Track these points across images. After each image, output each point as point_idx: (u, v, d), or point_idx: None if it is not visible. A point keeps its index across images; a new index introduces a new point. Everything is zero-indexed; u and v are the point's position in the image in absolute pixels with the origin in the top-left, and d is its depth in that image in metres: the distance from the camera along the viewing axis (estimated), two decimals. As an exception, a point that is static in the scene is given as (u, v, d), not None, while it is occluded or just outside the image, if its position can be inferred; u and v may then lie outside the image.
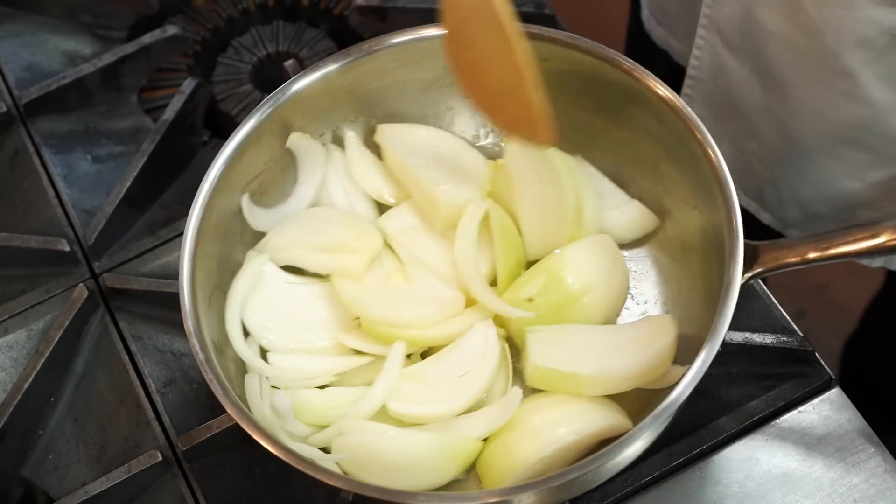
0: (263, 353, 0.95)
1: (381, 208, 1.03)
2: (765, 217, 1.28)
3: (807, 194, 1.21)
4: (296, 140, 1.01)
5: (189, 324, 0.86)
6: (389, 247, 0.99)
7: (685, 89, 1.25)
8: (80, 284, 1.06)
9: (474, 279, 0.94)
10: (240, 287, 0.95)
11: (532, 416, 0.88)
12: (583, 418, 0.87)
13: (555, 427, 0.87)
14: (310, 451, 0.88)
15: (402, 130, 1.03)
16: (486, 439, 0.89)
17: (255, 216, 0.99)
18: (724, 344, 0.95)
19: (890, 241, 0.85)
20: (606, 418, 0.88)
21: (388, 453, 0.86)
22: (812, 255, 0.86)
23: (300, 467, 0.80)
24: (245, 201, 0.98)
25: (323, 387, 0.94)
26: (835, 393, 0.96)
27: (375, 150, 1.04)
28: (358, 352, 0.95)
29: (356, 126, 1.03)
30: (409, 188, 1.01)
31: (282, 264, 0.99)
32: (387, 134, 1.02)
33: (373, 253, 0.96)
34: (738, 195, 0.85)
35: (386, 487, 0.81)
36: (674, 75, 1.27)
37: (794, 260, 0.87)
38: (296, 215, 1.00)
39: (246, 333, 0.95)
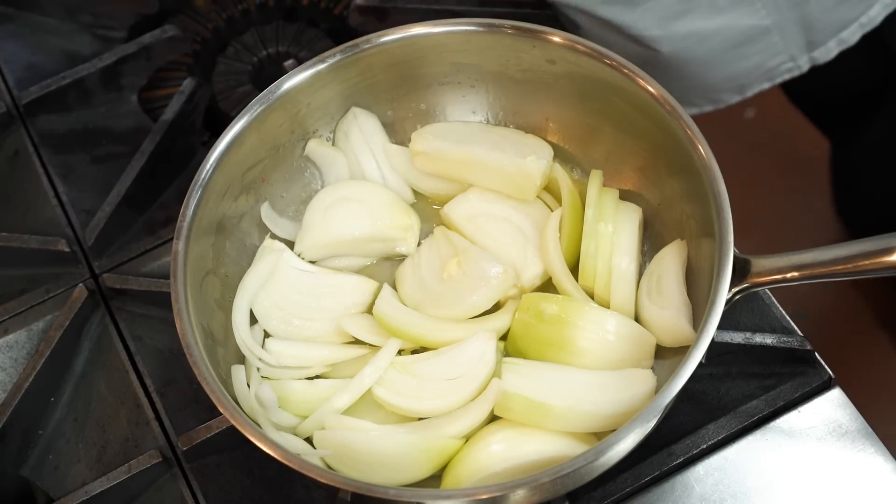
0: (263, 341, 0.97)
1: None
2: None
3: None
4: (314, 147, 1.03)
5: (178, 307, 0.87)
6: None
7: None
8: (80, 284, 1.06)
9: (562, 271, 0.96)
10: (254, 278, 0.96)
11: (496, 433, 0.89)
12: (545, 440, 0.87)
13: (516, 445, 0.87)
14: (296, 445, 0.89)
15: (442, 128, 1.04)
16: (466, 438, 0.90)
17: (276, 224, 1.01)
18: (725, 344, 0.95)
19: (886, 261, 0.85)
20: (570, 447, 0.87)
21: (369, 450, 0.87)
22: (804, 272, 0.86)
23: (276, 455, 0.81)
24: (265, 209, 1.00)
25: (313, 378, 0.95)
26: (835, 393, 0.96)
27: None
28: (354, 344, 0.96)
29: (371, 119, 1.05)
30: (472, 177, 1.02)
31: (315, 260, 1.01)
32: (428, 134, 1.03)
33: (416, 233, 1.02)
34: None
35: (377, 484, 0.82)
36: None
37: (785, 276, 0.86)
38: (323, 213, 1.01)
39: (252, 322, 0.96)
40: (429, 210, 1.05)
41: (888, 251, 0.84)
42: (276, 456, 0.80)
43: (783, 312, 1.00)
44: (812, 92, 1.69)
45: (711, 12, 1.18)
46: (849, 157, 1.75)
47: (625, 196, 1.00)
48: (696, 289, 0.92)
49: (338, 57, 0.99)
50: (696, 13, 1.18)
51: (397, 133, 1.06)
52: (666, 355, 0.92)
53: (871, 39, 1.29)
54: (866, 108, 1.62)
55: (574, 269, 0.97)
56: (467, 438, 0.90)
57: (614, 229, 0.96)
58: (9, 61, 1.23)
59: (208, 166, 0.93)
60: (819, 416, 0.95)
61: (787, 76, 1.29)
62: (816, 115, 1.78)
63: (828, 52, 1.28)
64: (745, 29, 1.21)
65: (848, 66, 1.34)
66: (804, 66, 1.28)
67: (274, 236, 1.01)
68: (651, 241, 0.99)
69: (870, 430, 0.94)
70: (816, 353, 0.97)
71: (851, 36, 1.27)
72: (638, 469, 0.92)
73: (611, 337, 0.91)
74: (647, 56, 1.21)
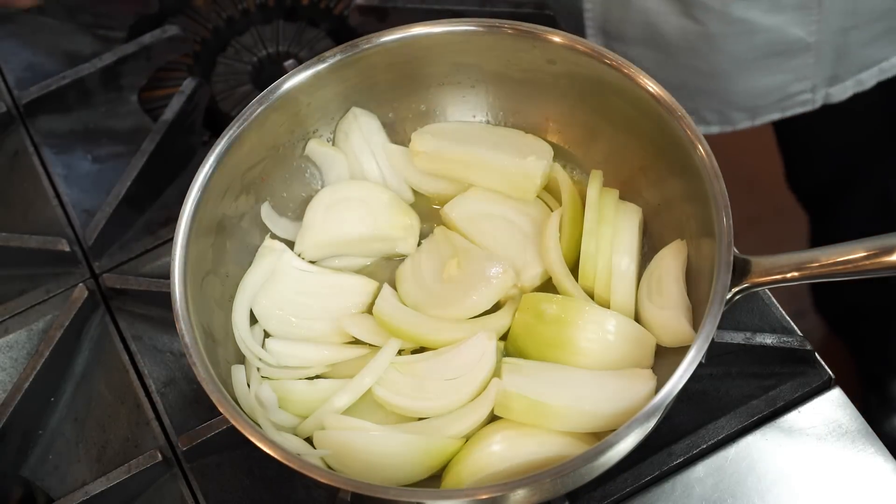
0: (263, 341, 0.97)
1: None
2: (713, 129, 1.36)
3: None
4: (314, 147, 1.03)
5: (178, 307, 0.87)
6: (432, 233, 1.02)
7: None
8: (80, 284, 1.06)
9: (562, 271, 0.96)
10: (254, 278, 0.96)
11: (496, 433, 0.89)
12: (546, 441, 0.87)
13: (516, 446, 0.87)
14: (296, 445, 0.89)
15: (442, 128, 1.04)
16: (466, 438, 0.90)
17: (276, 224, 1.01)
18: (724, 344, 0.95)
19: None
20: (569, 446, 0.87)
21: (369, 450, 0.87)
22: (804, 272, 0.86)
23: (276, 455, 0.81)
24: (265, 209, 1.00)
25: (313, 378, 0.95)
26: (835, 393, 0.96)
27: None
28: (354, 344, 0.96)
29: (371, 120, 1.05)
30: (472, 177, 1.02)
31: (315, 259, 1.01)
32: (428, 134, 1.03)
33: (416, 233, 1.02)
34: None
35: (377, 484, 0.82)
36: None
37: (785, 276, 0.86)
38: (323, 213, 1.01)
39: (252, 322, 0.96)
40: (429, 210, 1.05)
41: (888, 251, 0.84)
42: (276, 456, 0.80)
43: (783, 312, 1.00)
44: (809, 149, 1.67)
45: (772, 8, 1.21)
46: (829, 233, 1.75)
47: (625, 196, 1.00)
48: (696, 289, 0.91)
49: (338, 57, 0.99)
50: (759, 3, 1.20)
51: (397, 133, 1.06)
52: (666, 355, 0.92)
53: (883, 94, 1.31)
54: (855, 177, 1.63)
55: (574, 269, 0.97)
56: (467, 438, 0.90)
57: (614, 229, 0.96)
58: (9, 61, 1.23)
59: (208, 166, 0.93)
60: (819, 416, 0.95)
61: (798, 109, 1.32)
62: (803, 182, 1.78)
63: (844, 90, 1.31)
64: (791, 39, 1.23)
65: (857, 112, 1.37)
66: (818, 101, 1.31)
67: (274, 236, 1.01)
68: (651, 241, 0.99)
69: (870, 430, 0.94)
70: (816, 354, 0.97)
71: (869, 79, 1.30)
72: (638, 469, 0.92)
73: (611, 337, 0.91)
74: (690, 31, 1.23)
